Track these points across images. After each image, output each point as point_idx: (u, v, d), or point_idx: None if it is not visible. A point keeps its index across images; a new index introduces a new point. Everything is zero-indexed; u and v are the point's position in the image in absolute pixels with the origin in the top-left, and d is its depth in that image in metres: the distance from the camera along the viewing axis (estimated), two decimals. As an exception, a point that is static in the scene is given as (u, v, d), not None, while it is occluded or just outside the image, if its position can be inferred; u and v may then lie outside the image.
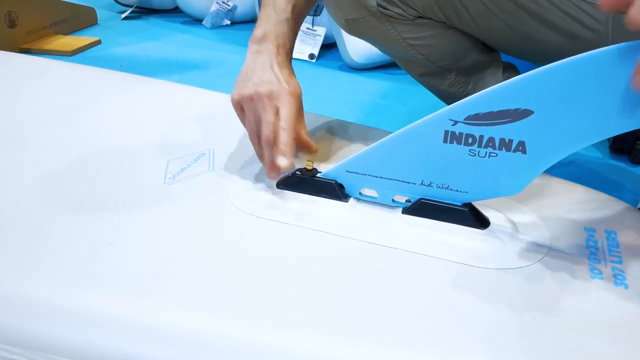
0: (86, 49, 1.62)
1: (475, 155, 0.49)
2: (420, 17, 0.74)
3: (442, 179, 0.52)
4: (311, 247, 0.52)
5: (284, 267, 0.50)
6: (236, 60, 1.50)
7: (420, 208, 0.55)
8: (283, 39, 0.64)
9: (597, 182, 0.87)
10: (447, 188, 0.53)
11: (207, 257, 0.51)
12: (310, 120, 0.79)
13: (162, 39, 1.77)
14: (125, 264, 0.50)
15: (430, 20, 0.75)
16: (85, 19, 1.84)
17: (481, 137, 0.48)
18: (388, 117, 1.19)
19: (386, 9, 0.74)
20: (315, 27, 1.57)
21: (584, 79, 0.43)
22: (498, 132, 0.47)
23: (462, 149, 0.49)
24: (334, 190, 0.57)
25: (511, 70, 0.87)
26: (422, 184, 0.54)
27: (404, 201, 0.56)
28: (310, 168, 0.59)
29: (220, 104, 0.82)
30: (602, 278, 0.47)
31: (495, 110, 0.46)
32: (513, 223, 0.54)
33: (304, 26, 1.58)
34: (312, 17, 1.58)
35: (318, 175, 0.58)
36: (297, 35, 0.69)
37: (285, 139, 0.58)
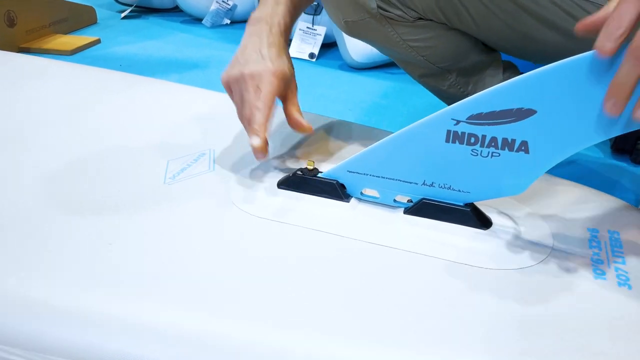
0: (86, 49, 1.61)
1: (477, 155, 0.49)
2: (420, 18, 0.74)
3: (444, 179, 0.52)
4: (312, 248, 0.52)
5: (284, 267, 0.49)
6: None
7: (422, 208, 0.54)
8: (278, 19, 0.65)
9: (599, 182, 0.87)
10: (449, 188, 0.52)
11: (208, 257, 0.51)
12: (311, 120, 0.78)
13: (162, 38, 1.76)
14: (125, 264, 0.49)
15: (430, 21, 0.75)
16: (84, 18, 1.84)
17: (484, 136, 0.48)
18: (388, 117, 1.18)
19: (386, 10, 0.73)
20: (315, 27, 1.57)
21: (588, 78, 0.42)
22: (501, 131, 0.47)
23: (465, 148, 0.49)
24: (335, 191, 0.57)
25: (511, 69, 0.87)
26: (424, 184, 0.53)
27: (405, 201, 0.56)
28: (311, 168, 0.59)
29: (221, 104, 0.81)
30: (605, 279, 0.47)
31: (498, 109, 0.46)
32: (515, 223, 0.54)
33: (304, 25, 1.58)
34: (312, 17, 1.57)
35: (319, 175, 0.58)
36: (296, 16, 0.69)
37: (258, 118, 0.58)
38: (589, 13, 0.65)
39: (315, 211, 0.56)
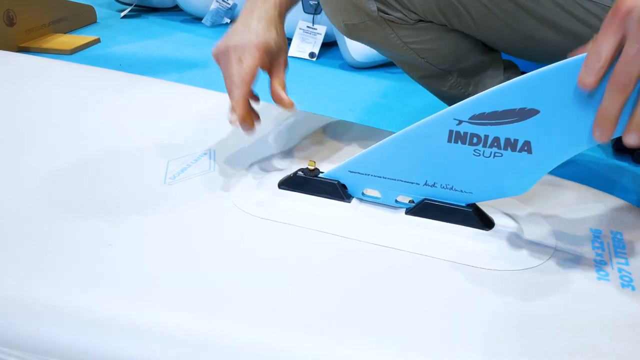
0: (85, 48, 1.61)
1: (480, 155, 0.49)
2: (420, 20, 0.74)
3: (446, 179, 0.52)
4: (313, 248, 0.52)
5: (285, 268, 0.49)
6: (236, 59, 1.49)
7: (424, 209, 0.54)
8: None
9: (600, 182, 0.87)
10: (451, 188, 0.52)
11: (208, 258, 0.50)
12: (311, 120, 0.78)
13: (162, 38, 1.76)
14: (125, 265, 0.49)
15: (430, 23, 0.74)
16: (84, 18, 1.84)
17: (486, 136, 0.48)
18: (389, 116, 1.18)
19: (386, 13, 0.73)
20: (315, 26, 1.56)
21: None
22: (503, 131, 0.47)
23: (467, 148, 0.49)
24: (337, 191, 0.57)
25: (512, 69, 0.86)
26: (425, 184, 0.53)
27: (407, 202, 0.56)
28: (312, 168, 0.58)
29: (221, 104, 0.80)
30: (608, 279, 0.47)
31: (501, 109, 0.46)
32: (518, 224, 0.54)
33: (304, 24, 1.57)
34: (312, 16, 1.57)
35: (320, 175, 0.58)
36: None
37: (235, 94, 0.58)
38: (590, 13, 0.65)
39: (316, 212, 0.56)
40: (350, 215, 0.56)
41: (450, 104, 0.48)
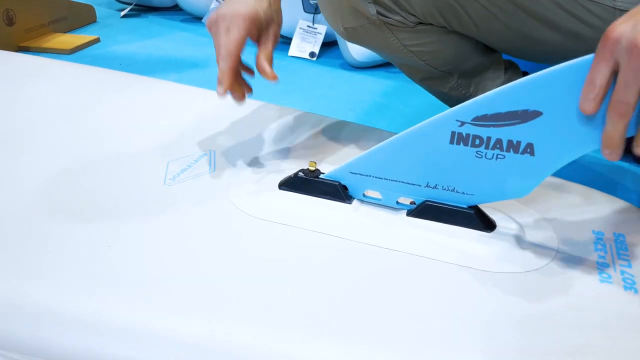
0: (85, 47, 1.60)
1: (482, 157, 0.49)
2: (420, 23, 0.73)
3: (448, 181, 0.52)
4: (313, 250, 0.51)
5: (285, 269, 0.49)
6: (236, 59, 1.49)
7: (425, 210, 0.54)
8: None
9: (601, 183, 0.86)
10: (453, 190, 0.52)
11: (208, 259, 0.50)
12: (311, 120, 0.78)
13: (162, 37, 1.75)
14: (124, 267, 0.49)
15: (430, 25, 0.74)
16: (84, 17, 1.83)
17: (488, 138, 0.47)
18: (390, 116, 1.18)
19: (386, 16, 0.73)
20: (316, 25, 1.56)
21: None
22: (506, 133, 0.47)
23: (469, 150, 0.49)
24: (337, 192, 0.57)
25: (513, 69, 0.86)
26: (427, 185, 0.53)
27: (408, 203, 0.55)
28: (313, 169, 0.58)
29: (221, 104, 0.80)
30: (611, 282, 0.47)
31: (503, 111, 0.46)
32: (520, 226, 0.53)
33: (305, 24, 1.57)
34: (312, 15, 1.57)
35: (321, 176, 0.57)
36: None
37: (221, 66, 0.58)
38: (591, 12, 0.65)
39: (317, 213, 0.56)
40: (351, 216, 0.55)
41: (451, 105, 0.48)
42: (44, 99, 0.85)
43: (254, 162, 0.65)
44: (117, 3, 2.05)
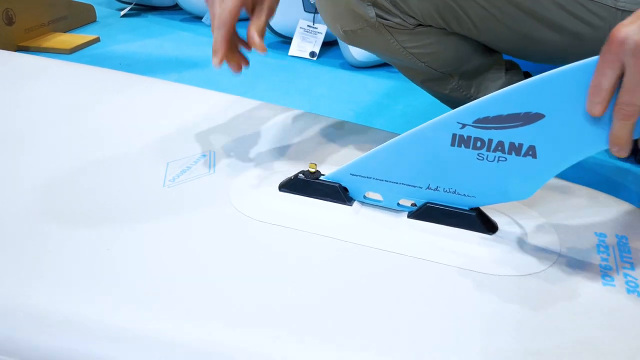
0: (85, 47, 1.60)
1: (483, 159, 0.48)
2: (419, 25, 0.73)
3: (449, 183, 0.51)
4: (314, 252, 0.51)
5: (286, 272, 0.49)
6: (236, 59, 1.49)
7: (427, 212, 0.53)
8: None
9: (603, 184, 0.86)
10: (454, 192, 0.51)
11: (208, 263, 0.50)
12: (311, 120, 0.78)
13: (162, 37, 1.75)
14: (123, 270, 0.49)
15: (430, 27, 0.74)
16: (83, 17, 1.82)
17: (490, 140, 0.47)
18: (390, 116, 1.17)
19: (385, 19, 0.72)
20: (316, 25, 1.56)
21: None
22: (508, 135, 0.46)
23: (470, 152, 0.48)
24: (338, 194, 0.56)
25: (514, 69, 0.86)
26: (428, 187, 0.52)
27: (409, 205, 0.55)
28: (313, 170, 0.58)
29: (221, 104, 0.80)
30: (614, 285, 0.46)
31: (505, 113, 0.45)
32: (522, 228, 0.53)
33: (305, 24, 1.56)
34: (313, 15, 1.56)
35: (321, 178, 0.57)
36: None
37: (215, 36, 0.59)
38: (592, 13, 0.65)
39: (317, 215, 0.55)
40: (351, 218, 0.55)
41: (452, 107, 0.48)
42: (44, 98, 0.84)
43: (254, 163, 0.65)
44: (117, 2, 2.04)
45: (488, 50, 0.81)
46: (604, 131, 0.43)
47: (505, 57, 0.85)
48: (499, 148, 0.47)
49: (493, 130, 0.47)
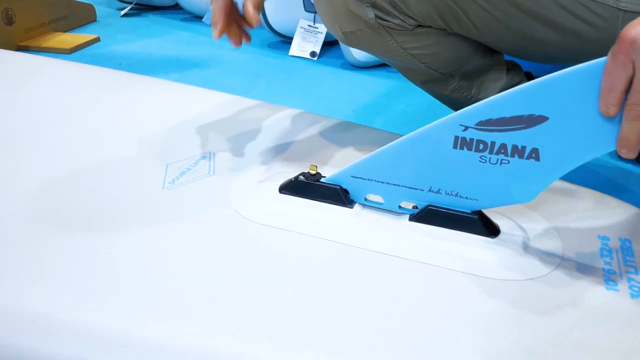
0: (85, 47, 1.60)
1: (486, 162, 0.48)
2: (419, 25, 0.73)
3: (451, 186, 0.51)
4: (314, 255, 0.51)
5: (286, 276, 0.48)
6: (237, 59, 1.48)
7: (428, 215, 0.53)
8: None
9: (605, 186, 0.85)
10: (456, 195, 0.51)
11: (208, 266, 0.49)
12: (312, 120, 0.77)
13: (162, 37, 1.75)
14: (122, 274, 0.48)
15: (429, 28, 0.73)
16: (83, 16, 1.82)
17: (493, 143, 0.47)
18: (391, 117, 1.17)
19: (384, 20, 0.72)
20: (317, 25, 1.55)
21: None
22: (511, 138, 0.46)
23: (473, 155, 0.48)
24: (339, 196, 0.56)
25: (515, 70, 0.85)
26: (430, 190, 0.52)
27: (410, 208, 0.55)
28: (313, 172, 0.57)
29: (221, 104, 0.80)
30: (617, 290, 0.46)
31: (508, 116, 0.45)
32: (524, 231, 0.53)
33: (306, 23, 1.56)
34: (313, 15, 1.56)
35: (322, 180, 0.57)
36: None
37: (214, 7, 0.59)
38: (594, 13, 0.64)
39: (318, 217, 0.55)
40: (352, 221, 0.55)
41: (453, 108, 0.47)
42: (44, 98, 0.84)
43: (254, 165, 0.64)
44: (117, 2, 2.04)
45: (489, 50, 0.80)
46: (609, 133, 0.43)
47: (507, 57, 0.84)
48: (502, 151, 0.47)
49: (496, 133, 0.46)
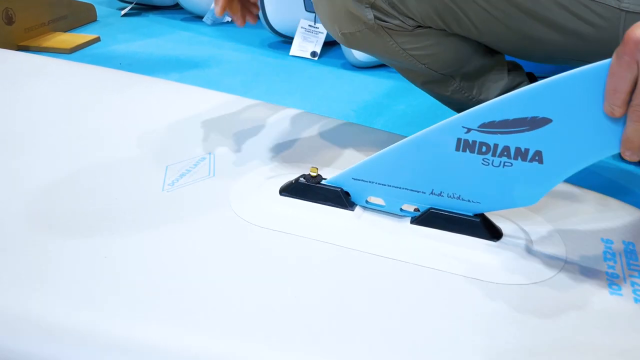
0: (85, 47, 1.59)
1: (488, 164, 0.47)
2: (419, 26, 0.72)
3: (453, 189, 0.50)
4: (315, 258, 0.50)
5: (287, 278, 0.48)
6: (237, 58, 1.48)
7: (430, 218, 0.52)
8: None
9: (608, 188, 0.85)
10: (458, 198, 0.51)
11: (208, 269, 0.49)
12: (312, 121, 0.77)
13: (162, 36, 1.74)
14: (121, 278, 0.48)
15: (429, 28, 0.73)
16: (84, 16, 1.82)
17: (495, 145, 0.46)
18: (392, 117, 1.16)
19: (384, 21, 0.71)
20: (317, 25, 1.55)
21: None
22: (514, 140, 0.45)
23: (475, 157, 0.47)
24: (340, 198, 0.55)
25: (517, 70, 0.85)
26: (432, 193, 0.51)
27: (412, 210, 0.54)
28: (314, 174, 0.57)
29: (221, 104, 0.80)
30: (621, 294, 0.45)
31: (511, 118, 0.44)
32: (527, 234, 0.52)
33: (306, 23, 1.56)
34: (314, 15, 1.55)
35: (323, 182, 0.56)
36: None
37: None
38: (595, 13, 0.64)
39: (318, 220, 0.55)
40: (353, 224, 0.54)
41: (454, 109, 0.47)
42: (44, 98, 0.84)
43: (254, 166, 0.64)
44: (117, 2, 2.04)
45: (489, 51, 0.80)
46: (613, 136, 0.42)
47: (508, 58, 0.84)
48: (505, 153, 0.46)
49: (499, 135, 0.46)
